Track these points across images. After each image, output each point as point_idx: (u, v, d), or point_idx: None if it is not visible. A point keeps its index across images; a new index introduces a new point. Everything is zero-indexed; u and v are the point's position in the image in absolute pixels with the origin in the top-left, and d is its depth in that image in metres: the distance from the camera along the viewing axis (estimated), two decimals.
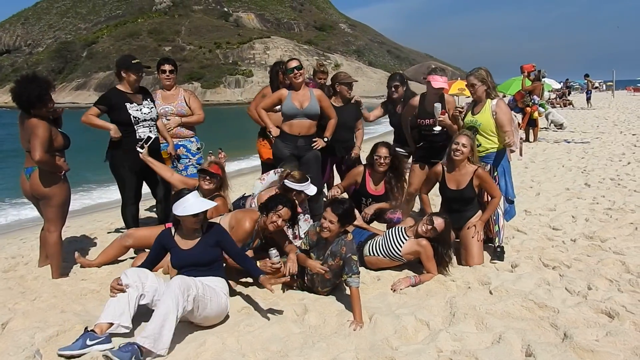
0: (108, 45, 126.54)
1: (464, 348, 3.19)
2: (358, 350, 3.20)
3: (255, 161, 12.69)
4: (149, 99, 5.31)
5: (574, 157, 11.25)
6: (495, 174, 5.01)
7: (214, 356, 3.24)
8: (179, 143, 5.77)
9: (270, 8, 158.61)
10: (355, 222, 5.07)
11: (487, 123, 4.93)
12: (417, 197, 5.52)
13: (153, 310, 3.31)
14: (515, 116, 7.90)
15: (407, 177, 5.77)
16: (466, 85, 5.15)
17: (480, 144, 4.99)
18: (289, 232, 4.67)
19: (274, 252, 4.19)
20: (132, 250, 5.05)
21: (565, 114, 19.44)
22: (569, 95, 33.69)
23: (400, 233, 4.66)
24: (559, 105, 28.74)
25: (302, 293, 4.19)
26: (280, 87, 5.83)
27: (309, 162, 5.41)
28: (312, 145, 5.46)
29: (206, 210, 3.76)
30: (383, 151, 5.26)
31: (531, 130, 14.53)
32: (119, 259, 5.01)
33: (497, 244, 4.93)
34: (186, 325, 3.55)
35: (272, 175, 5.26)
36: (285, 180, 4.81)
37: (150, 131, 5.19)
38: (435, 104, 5.30)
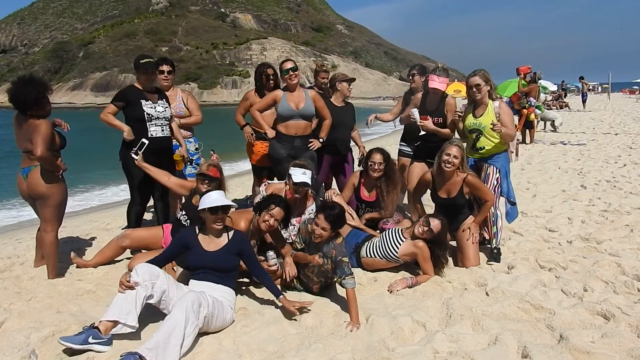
0: (104, 45, 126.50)
1: (460, 349, 3.19)
2: (354, 351, 3.20)
3: None
4: (164, 99, 5.32)
5: (570, 159, 11.29)
6: (498, 175, 4.97)
7: (211, 357, 3.24)
8: (177, 144, 5.77)
9: (267, 9, 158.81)
10: (353, 223, 5.08)
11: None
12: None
13: (157, 309, 3.30)
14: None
15: (404, 180, 5.78)
16: (468, 86, 5.03)
17: (484, 147, 4.98)
18: (285, 234, 4.66)
19: (270, 254, 4.19)
20: (128, 250, 5.04)
21: (561, 116, 19.49)
22: (565, 97, 33.81)
23: (397, 234, 4.67)
24: (555, 108, 28.83)
25: (299, 294, 4.19)
26: (265, 90, 5.90)
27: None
28: (309, 146, 5.47)
29: (227, 211, 3.80)
30: (377, 157, 5.25)
31: (527, 132, 14.59)
32: (115, 259, 4.99)
33: (494, 246, 4.94)
34: None
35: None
36: (292, 168, 4.78)
37: (162, 130, 5.18)
38: (412, 110, 5.36)
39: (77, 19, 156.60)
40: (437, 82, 5.32)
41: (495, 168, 4.98)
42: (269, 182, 5.41)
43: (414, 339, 3.44)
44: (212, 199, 3.73)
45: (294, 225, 4.75)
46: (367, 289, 4.36)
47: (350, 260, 4.28)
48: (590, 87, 43.62)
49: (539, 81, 15.22)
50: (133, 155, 4.93)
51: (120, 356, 3.03)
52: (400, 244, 4.59)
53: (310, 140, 5.50)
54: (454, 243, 5.02)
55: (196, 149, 6.05)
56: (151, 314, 3.55)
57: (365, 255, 4.73)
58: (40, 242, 4.74)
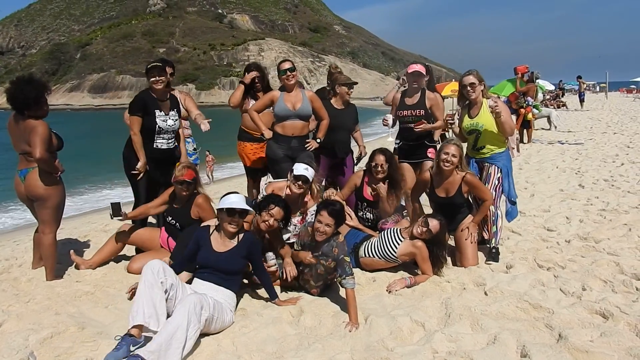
0: (102, 47, 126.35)
1: (459, 349, 3.19)
2: (353, 351, 3.20)
3: None
4: (175, 110, 5.21)
5: (568, 159, 11.31)
6: (500, 174, 4.96)
7: (210, 357, 3.23)
8: (176, 144, 5.75)
9: (264, 10, 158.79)
10: (351, 223, 5.07)
11: (489, 124, 4.86)
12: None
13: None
14: None
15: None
16: (462, 85, 4.97)
17: (484, 146, 4.97)
18: (286, 235, 4.65)
19: (270, 254, 4.19)
20: (129, 250, 5.03)
21: (556, 113, 19.52)
22: (562, 96, 33.85)
23: (396, 234, 4.67)
24: (552, 107, 28.88)
25: (297, 294, 4.18)
26: (255, 91, 5.91)
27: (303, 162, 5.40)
28: (306, 146, 5.46)
29: (244, 216, 3.83)
30: (380, 159, 5.25)
31: (525, 132, 14.61)
32: (115, 260, 5.01)
33: (493, 245, 4.94)
34: None
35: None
36: (296, 164, 4.77)
37: (168, 142, 5.12)
38: (386, 115, 5.62)
39: (74, 21, 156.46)
40: (415, 67, 5.56)
41: (496, 167, 4.96)
42: (270, 180, 5.39)
43: (413, 339, 3.43)
44: (231, 201, 3.76)
45: (295, 225, 4.75)
46: (366, 289, 4.36)
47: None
48: (589, 87, 43.65)
49: (537, 81, 15.23)
50: (117, 220, 4.76)
51: (123, 359, 3.03)
52: (398, 244, 4.59)
53: (307, 140, 5.50)
54: (452, 242, 5.02)
55: (194, 149, 6.06)
56: None
57: (363, 255, 4.73)
58: (39, 244, 4.73)
